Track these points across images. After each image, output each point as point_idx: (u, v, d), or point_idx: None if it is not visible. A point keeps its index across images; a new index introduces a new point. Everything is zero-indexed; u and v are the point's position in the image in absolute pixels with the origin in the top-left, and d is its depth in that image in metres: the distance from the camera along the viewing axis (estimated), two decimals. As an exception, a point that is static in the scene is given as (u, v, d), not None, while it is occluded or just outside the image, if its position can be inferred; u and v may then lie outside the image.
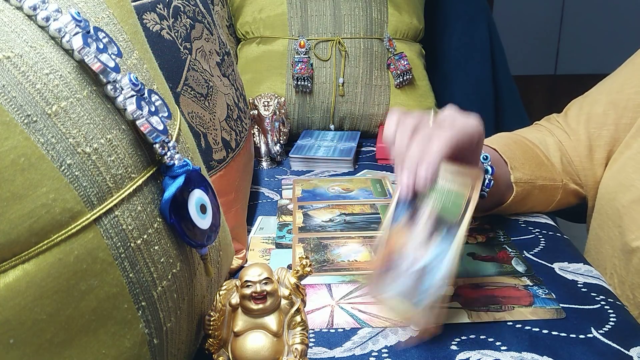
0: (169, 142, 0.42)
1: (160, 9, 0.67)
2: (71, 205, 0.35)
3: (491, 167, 0.70)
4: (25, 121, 0.33)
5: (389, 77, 1.18)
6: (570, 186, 0.79)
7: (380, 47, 1.18)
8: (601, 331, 0.57)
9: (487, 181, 0.70)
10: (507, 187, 0.75)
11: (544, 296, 0.63)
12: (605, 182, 0.73)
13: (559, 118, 0.85)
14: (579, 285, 0.65)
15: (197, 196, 0.43)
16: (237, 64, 1.19)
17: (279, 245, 0.76)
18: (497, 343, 0.56)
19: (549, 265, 0.70)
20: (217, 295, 0.49)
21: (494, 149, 0.76)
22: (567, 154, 0.80)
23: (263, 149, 1.05)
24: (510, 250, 0.73)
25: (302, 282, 0.49)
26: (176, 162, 0.42)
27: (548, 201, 0.79)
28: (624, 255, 0.67)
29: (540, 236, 0.76)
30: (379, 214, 0.83)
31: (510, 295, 0.63)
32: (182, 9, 0.72)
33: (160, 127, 0.41)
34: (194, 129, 0.68)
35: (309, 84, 1.15)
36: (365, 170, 1.03)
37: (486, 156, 0.70)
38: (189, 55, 0.70)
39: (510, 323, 0.59)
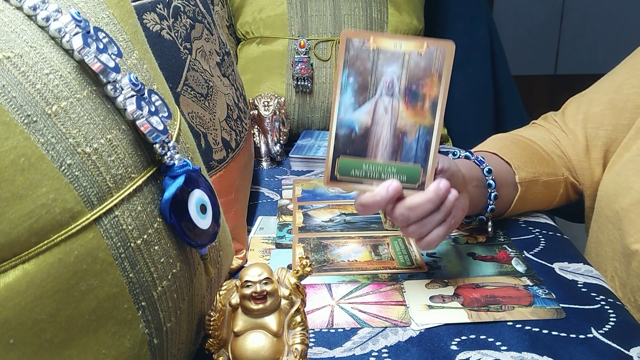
0: (169, 142, 0.42)
1: (160, 9, 0.67)
2: (71, 205, 0.35)
3: (494, 180, 0.71)
4: (25, 121, 0.33)
5: (389, 77, 1.18)
6: (571, 179, 0.80)
7: (380, 47, 1.18)
8: (601, 331, 0.57)
9: (492, 195, 0.71)
10: (512, 190, 0.75)
11: (544, 296, 0.63)
12: (605, 184, 0.73)
13: (556, 117, 0.85)
14: (579, 285, 0.65)
15: (197, 196, 0.43)
16: (237, 64, 1.19)
17: (279, 245, 0.76)
18: (497, 343, 0.56)
19: (549, 265, 0.70)
20: (217, 295, 0.49)
21: (494, 153, 0.76)
22: (565, 152, 0.80)
23: (263, 149, 1.05)
24: (510, 250, 0.73)
25: (302, 282, 0.49)
26: (176, 162, 0.42)
27: (551, 197, 0.79)
28: (624, 258, 0.67)
29: (540, 236, 0.76)
30: (379, 214, 0.83)
31: (510, 295, 0.63)
32: (182, 9, 0.72)
33: (160, 127, 0.41)
34: (194, 129, 0.68)
35: (309, 84, 1.15)
36: (365, 170, 1.03)
37: (490, 169, 0.71)
38: (189, 55, 0.70)
39: (510, 323, 0.59)
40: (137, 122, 0.40)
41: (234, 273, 0.70)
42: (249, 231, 0.80)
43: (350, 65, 0.58)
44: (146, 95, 0.41)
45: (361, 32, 0.58)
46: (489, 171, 0.71)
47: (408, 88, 0.58)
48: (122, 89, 0.39)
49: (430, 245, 0.62)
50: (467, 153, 0.73)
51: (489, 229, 0.74)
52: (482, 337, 0.57)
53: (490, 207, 0.72)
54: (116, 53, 0.40)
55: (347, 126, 0.59)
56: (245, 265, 0.72)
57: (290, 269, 0.50)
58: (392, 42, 0.58)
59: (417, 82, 0.58)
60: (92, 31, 0.38)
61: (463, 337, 0.57)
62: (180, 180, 0.42)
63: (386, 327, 0.59)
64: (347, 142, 0.59)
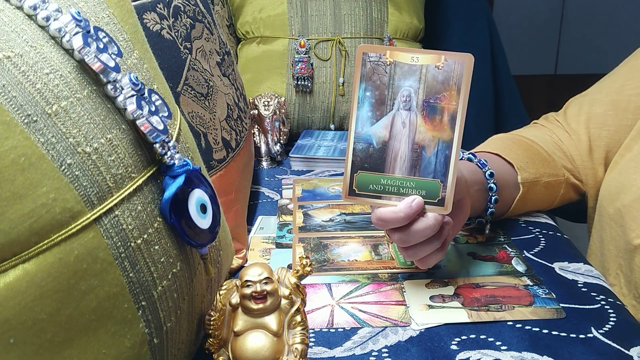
0: (169, 141, 0.42)
1: (160, 8, 0.67)
2: (71, 205, 0.35)
3: (495, 184, 0.71)
4: (26, 121, 0.33)
5: (389, 77, 1.18)
6: (572, 180, 0.80)
7: (380, 47, 1.18)
8: (601, 331, 0.57)
9: (493, 199, 0.72)
10: (513, 191, 0.75)
11: (544, 296, 0.63)
12: (607, 183, 0.73)
13: (558, 117, 0.85)
14: (579, 285, 0.65)
15: (197, 196, 0.43)
16: (237, 63, 1.19)
17: (279, 245, 0.76)
18: (497, 343, 0.56)
19: (549, 265, 0.70)
20: (217, 295, 0.49)
21: (496, 154, 0.76)
22: (567, 152, 0.80)
23: (263, 148, 1.05)
24: (510, 250, 0.73)
25: (302, 282, 0.49)
26: (176, 161, 0.42)
27: (552, 198, 0.79)
28: (628, 254, 0.67)
29: (540, 236, 0.76)
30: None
31: (510, 295, 0.63)
32: (182, 9, 0.72)
33: (161, 127, 0.41)
34: (194, 128, 0.68)
35: (309, 84, 1.15)
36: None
37: (492, 173, 0.71)
38: (189, 55, 0.70)
39: (510, 323, 0.59)
40: (137, 122, 0.40)
41: (234, 273, 0.70)
42: (249, 231, 0.80)
43: (366, 79, 0.58)
44: (146, 94, 0.41)
45: (378, 46, 0.58)
46: (491, 174, 0.71)
47: (426, 102, 0.58)
48: (122, 89, 0.39)
49: (428, 265, 0.63)
50: (470, 155, 0.73)
51: (487, 231, 0.75)
52: (482, 336, 0.57)
53: (490, 210, 0.72)
54: (116, 53, 0.40)
55: (365, 140, 0.59)
56: (245, 265, 0.72)
57: (291, 268, 0.50)
58: (409, 55, 0.58)
59: (435, 95, 0.58)
60: (92, 31, 0.38)
61: (463, 337, 0.57)
62: (180, 180, 0.42)
63: (386, 327, 0.59)
64: (365, 156, 0.59)
